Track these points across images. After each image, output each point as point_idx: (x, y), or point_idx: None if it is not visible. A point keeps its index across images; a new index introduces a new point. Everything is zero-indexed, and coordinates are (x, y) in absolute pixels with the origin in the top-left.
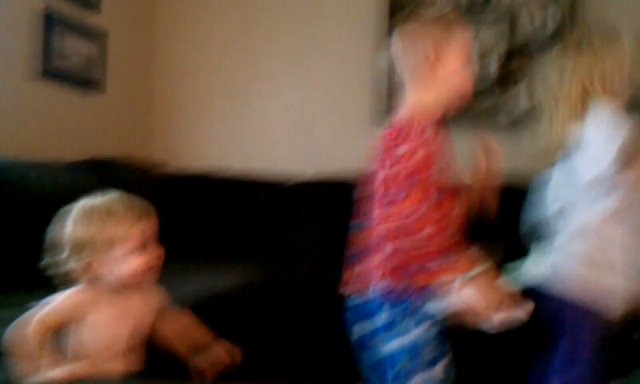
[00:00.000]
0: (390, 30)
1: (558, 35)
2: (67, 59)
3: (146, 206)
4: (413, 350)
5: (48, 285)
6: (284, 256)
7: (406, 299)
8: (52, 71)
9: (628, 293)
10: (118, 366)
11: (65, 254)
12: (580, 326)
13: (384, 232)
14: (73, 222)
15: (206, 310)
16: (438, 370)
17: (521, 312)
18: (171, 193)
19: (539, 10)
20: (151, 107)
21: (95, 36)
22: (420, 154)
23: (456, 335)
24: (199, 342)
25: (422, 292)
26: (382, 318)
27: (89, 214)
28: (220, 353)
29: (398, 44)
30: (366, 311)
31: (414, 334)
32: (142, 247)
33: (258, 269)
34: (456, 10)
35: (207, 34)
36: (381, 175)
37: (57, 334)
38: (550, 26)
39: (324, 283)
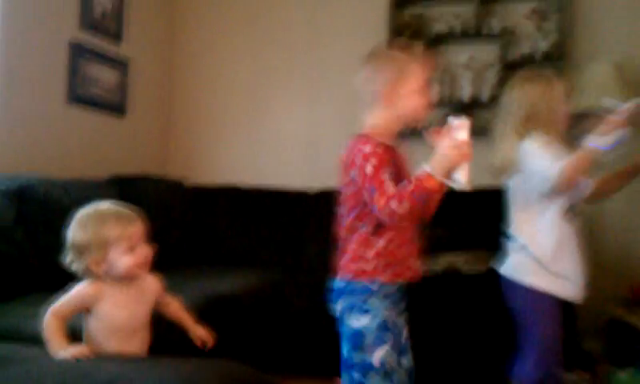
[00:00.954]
0: None
1: (550, 54)
2: (92, 86)
3: (134, 212)
4: (354, 337)
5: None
6: (293, 259)
7: (353, 294)
8: (79, 97)
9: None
10: (129, 347)
11: (69, 257)
12: (532, 308)
13: (341, 239)
14: (72, 230)
15: (217, 309)
16: (375, 357)
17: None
18: (190, 205)
19: (532, 33)
20: (170, 128)
21: (118, 64)
22: (368, 168)
23: (442, 333)
24: (183, 324)
25: (365, 290)
26: (338, 306)
27: (85, 222)
28: (195, 334)
29: (363, 69)
30: (335, 296)
31: (355, 325)
32: (132, 248)
33: (268, 272)
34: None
35: (223, 59)
36: (342, 191)
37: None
38: (542, 46)
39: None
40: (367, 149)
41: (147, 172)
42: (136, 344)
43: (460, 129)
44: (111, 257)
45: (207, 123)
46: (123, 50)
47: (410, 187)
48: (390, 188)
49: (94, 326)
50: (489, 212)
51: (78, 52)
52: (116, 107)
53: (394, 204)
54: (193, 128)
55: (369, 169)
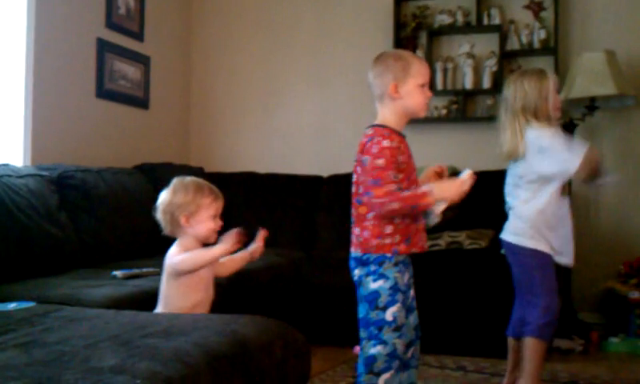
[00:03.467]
0: (395, 45)
1: (547, 44)
2: (118, 81)
3: (219, 191)
4: (371, 298)
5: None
6: (307, 239)
7: (371, 262)
8: (107, 92)
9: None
10: (206, 298)
11: (161, 212)
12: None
13: (357, 216)
14: (173, 191)
15: (242, 285)
16: (388, 313)
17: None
18: None
19: (530, 23)
20: (190, 120)
21: (141, 60)
22: (379, 162)
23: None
24: (242, 260)
25: (380, 258)
26: (357, 272)
27: (186, 186)
28: (253, 251)
29: (370, 73)
30: (354, 264)
31: (372, 287)
32: (214, 217)
33: (286, 251)
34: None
35: (237, 55)
36: (355, 176)
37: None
38: (540, 35)
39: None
40: (386, 143)
41: (170, 161)
42: (208, 298)
43: (467, 179)
44: (199, 217)
45: (224, 115)
46: (144, 48)
47: (406, 194)
48: (392, 186)
49: (181, 282)
50: (490, 193)
51: (105, 49)
52: (140, 101)
53: (387, 199)
54: (211, 120)
55: (380, 162)
